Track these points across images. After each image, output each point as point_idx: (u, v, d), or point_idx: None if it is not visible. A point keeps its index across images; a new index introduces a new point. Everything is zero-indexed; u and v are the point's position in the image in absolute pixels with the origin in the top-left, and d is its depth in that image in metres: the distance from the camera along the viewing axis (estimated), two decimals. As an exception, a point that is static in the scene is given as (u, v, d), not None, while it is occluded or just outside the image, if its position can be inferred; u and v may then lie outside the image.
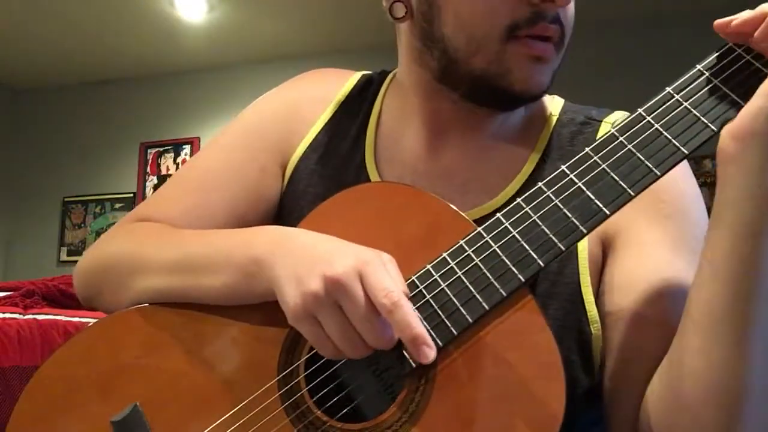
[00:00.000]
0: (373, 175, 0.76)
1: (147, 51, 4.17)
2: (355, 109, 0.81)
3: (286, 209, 0.79)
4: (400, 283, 0.57)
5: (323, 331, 0.57)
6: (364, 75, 0.85)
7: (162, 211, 0.77)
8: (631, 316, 0.65)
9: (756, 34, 0.56)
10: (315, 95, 0.83)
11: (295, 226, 0.66)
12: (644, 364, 0.63)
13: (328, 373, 0.61)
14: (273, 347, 0.62)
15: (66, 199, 4.48)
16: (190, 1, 3.63)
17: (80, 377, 0.65)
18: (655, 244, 0.67)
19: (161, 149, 4.37)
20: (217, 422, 0.60)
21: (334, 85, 0.83)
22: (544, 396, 0.54)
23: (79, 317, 1.47)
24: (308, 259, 0.58)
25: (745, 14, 0.56)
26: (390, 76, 0.84)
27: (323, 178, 0.77)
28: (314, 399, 0.60)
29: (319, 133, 0.80)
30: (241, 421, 0.60)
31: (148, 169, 4.38)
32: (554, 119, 0.77)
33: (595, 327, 0.68)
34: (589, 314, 0.68)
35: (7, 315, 1.76)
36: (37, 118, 4.65)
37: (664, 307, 0.64)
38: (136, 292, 0.69)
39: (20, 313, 1.80)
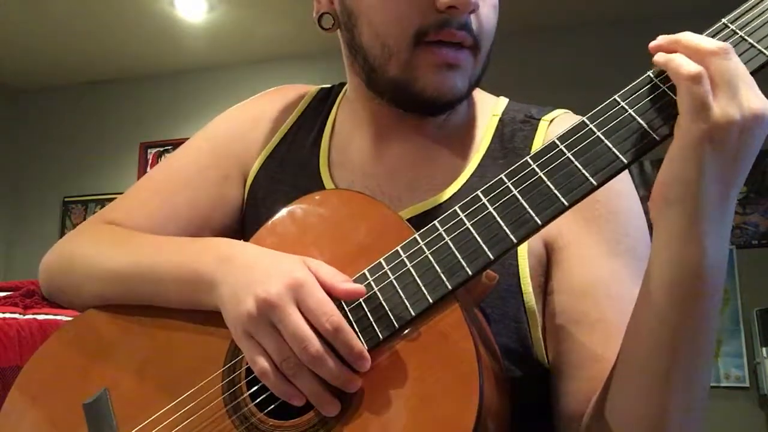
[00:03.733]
0: (327, 180, 0.79)
1: (147, 51, 4.17)
2: (312, 120, 0.85)
3: (248, 218, 0.83)
4: (339, 280, 0.59)
5: (260, 350, 0.59)
6: (322, 88, 0.89)
7: (129, 213, 0.82)
8: (573, 318, 0.67)
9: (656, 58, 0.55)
10: (276, 110, 0.87)
11: (255, 234, 0.70)
12: (587, 364, 0.65)
13: None
14: (223, 340, 0.64)
15: (66, 199, 4.47)
16: (190, 1, 3.62)
17: (66, 366, 0.72)
18: (592, 246, 0.69)
19: (161, 149, 4.37)
20: (165, 408, 0.64)
21: (294, 98, 0.88)
22: (456, 406, 0.53)
23: (79, 317, 1.46)
24: (247, 279, 0.61)
25: (666, 45, 0.55)
26: (346, 87, 0.87)
27: (282, 184, 0.81)
28: (251, 391, 0.61)
29: (278, 144, 0.84)
30: (185, 409, 0.63)
31: (148, 169, 4.37)
32: (497, 119, 0.78)
33: (533, 317, 0.69)
34: (526, 305, 0.69)
35: (7, 315, 1.76)
36: (37, 118, 4.65)
37: (603, 308, 0.66)
38: (92, 295, 0.75)
39: (20, 313, 1.80)
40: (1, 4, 3.58)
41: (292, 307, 0.57)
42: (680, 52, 0.53)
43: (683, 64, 0.52)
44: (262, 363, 0.58)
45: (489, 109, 0.80)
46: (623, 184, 0.72)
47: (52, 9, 3.65)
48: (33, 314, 1.83)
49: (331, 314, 0.56)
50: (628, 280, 0.63)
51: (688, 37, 0.54)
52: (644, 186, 3.03)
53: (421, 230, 0.60)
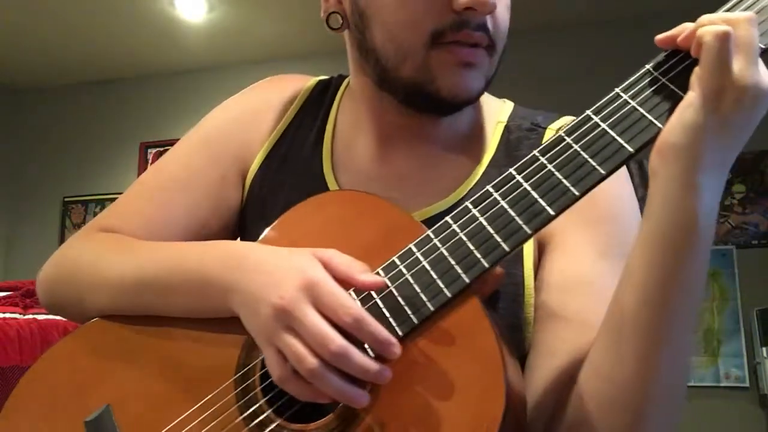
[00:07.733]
0: (331, 183, 0.77)
1: (147, 51, 4.17)
2: (312, 116, 0.83)
3: (249, 219, 0.81)
4: (357, 270, 0.58)
5: (279, 356, 0.57)
6: (321, 80, 0.87)
7: (124, 221, 0.79)
8: (552, 314, 0.67)
9: (692, 52, 0.56)
10: (273, 103, 0.84)
11: (259, 235, 0.68)
12: (561, 361, 0.64)
13: None
14: (233, 348, 0.63)
15: (66, 199, 4.48)
16: (190, 1, 3.63)
17: (61, 385, 0.69)
18: (582, 246, 0.69)
19: (161, 149, 4.37)
20: (176, 421, 0.63)
21: (292, 92, 0.85)
22: (484, 398, 0.53)
23: (79, 317, 1.46)
24: (259, 284, 0.59)
25: (687, 31, 0.56)
26: (346, 81, 0.85)
27: (284, 186, 0.79)
28: (267, 397, 0.60)
29: (278, 140, 0.82)
30: (198, 420, 0.62)
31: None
32: (502, 126, 0.78)
33: (529, 329, 0.69)
34: (527, 315, 0.69)
35: (7, 315, 1.77)
36: (37, 118, 4.65)
37: (583, 307, 0.66)
38: (95, 306, 0.72)
39: (20, 313, 1.81)
40: (2, 4, 3.59)
41: (308, 308, 0.56)
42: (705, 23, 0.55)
43: (712, 23, 0.54)
44: (280, 369, 0.57)
45: (494, 115, 0.79)
46: (623, 189, 0.72)
47: (52, 9, 3.65)
48: (33, 314, 1.84)
49: (349, 306, 0.55)
50: (613, 283, 0.63)
51: (711, 15, 0.56)
52: (644, 186, 3.03)
53: (434, 227, 0.60)
